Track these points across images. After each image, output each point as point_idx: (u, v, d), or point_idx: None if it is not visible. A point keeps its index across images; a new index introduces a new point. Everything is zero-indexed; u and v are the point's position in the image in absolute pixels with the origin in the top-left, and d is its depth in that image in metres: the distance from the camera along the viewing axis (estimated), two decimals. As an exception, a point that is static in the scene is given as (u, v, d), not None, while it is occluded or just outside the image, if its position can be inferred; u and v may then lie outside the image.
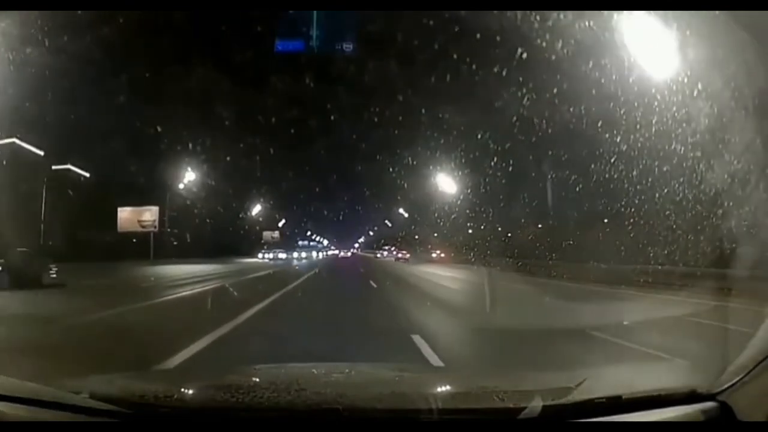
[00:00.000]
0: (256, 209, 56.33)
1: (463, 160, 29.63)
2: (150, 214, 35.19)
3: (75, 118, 24.28)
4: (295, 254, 58.78)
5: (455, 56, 18.54)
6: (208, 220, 41.20)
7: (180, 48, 21.19)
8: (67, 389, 1.60)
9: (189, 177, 34.85)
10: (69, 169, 32.28)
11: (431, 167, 33.74)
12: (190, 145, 27.95)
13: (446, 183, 34.15)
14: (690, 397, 1.57)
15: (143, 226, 34.52)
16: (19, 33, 13.26)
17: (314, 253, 71.79)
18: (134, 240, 35.22)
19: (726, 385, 1.55)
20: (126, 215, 35.36)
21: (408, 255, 47.48)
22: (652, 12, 5.04)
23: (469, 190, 33.06)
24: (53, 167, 30.13)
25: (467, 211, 33.16)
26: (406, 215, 63.72)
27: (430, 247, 52.68)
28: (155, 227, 34.69)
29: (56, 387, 1.63)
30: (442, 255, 39.20)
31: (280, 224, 70.60)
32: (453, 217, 37.88)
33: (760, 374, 1.50)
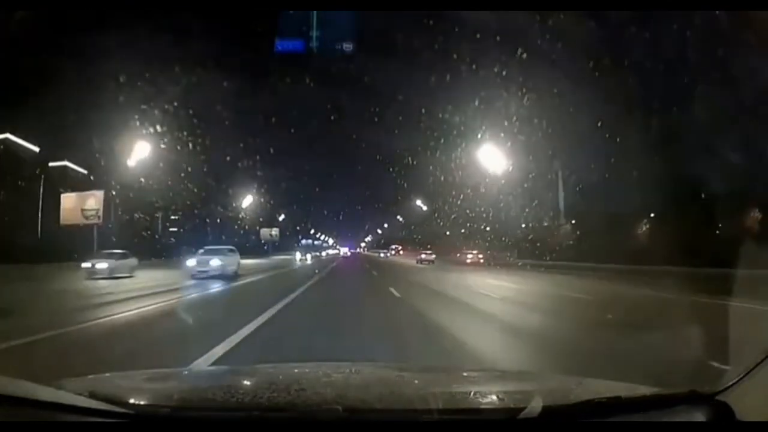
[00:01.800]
0: (247, 201, 48.93)
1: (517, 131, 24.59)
2: (94, 200, 27.84)
3: (74, 116, 24.40)
4: (213, 263, 20.25)
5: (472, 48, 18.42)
6: (196, 214, 38.04)
7: (180, 47, 21.25)
8: (66, 389, 1.60)
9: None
10: (66, 166, 30.30)
11: (467, 142, 29.43)
12: (190, 145, 27.90)
13: (493, 158, 29.07)
14: (690, 397, 1.58)
15: (86, 217, 27.55)
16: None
17: (298, 255, 49.42)
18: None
19: (726, 385, 1.55)
20: (70, 204, 28.06)
21: (433, 256, 40.39)
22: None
23: (531, 176, 28.21)
24: (50, 164, 28.55)
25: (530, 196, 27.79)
26: (425, 208, 55.90)
27: (438, 244, 48.68)
28: (99, 218, 27.68)
29: (56, 387, 1.63)
30: (480, 257, 33.51)
31: (280, 218, 64.75)
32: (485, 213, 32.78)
33: (760, 374, 1.50)
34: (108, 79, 21.44)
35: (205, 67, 23.01)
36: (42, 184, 27.11)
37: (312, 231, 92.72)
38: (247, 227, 54.29)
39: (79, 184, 29.44)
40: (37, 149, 26.93)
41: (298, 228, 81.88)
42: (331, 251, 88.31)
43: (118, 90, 21.68)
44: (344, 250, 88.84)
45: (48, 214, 27.23)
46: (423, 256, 41.43)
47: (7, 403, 1.47)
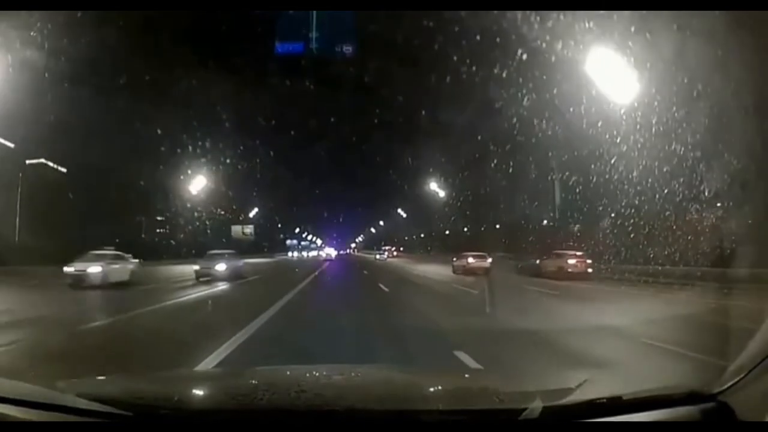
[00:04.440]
0: (200, 184, 34.38)
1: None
2: None
3: (75, 118, 24.32)
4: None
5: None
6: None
7: (180, 48, 21.29)
8: (67, 391, 1.60)
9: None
10: (43, 163, 28.70)
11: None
12: (189, 148, 27.87)
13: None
14: (690, 397, 1.58)
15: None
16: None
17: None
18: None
19: (726, 385, 1.55)
20: None
21: (489, 261, 25.05)
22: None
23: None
24: (27, 161, 27.01)
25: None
26: (441, 194, 42.47)
27: (436, 248, 42.94)
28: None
29: (56, 389, 1.63)
30: (590, 262, 19.75)
31: (252, 214, 54.60)
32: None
33: (760, 374, 1.50)
34: (105, 81, 21.46)
35: (206, 68, 23.02)
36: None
37: (297, 230, 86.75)
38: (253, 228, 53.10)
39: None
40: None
41: (280, 225, 72.50)
42: (305, 253, 77.57)
43: (117, 91, 21.71)
44: (328, 252, 74.02)
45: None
46: (471, 260, 24.63)
47: (7, 404, 1.47)
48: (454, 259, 26.46)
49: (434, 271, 27.30)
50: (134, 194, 31.12)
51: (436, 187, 41.28)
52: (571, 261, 19.71)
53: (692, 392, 1.58)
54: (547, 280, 18.12)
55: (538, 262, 21.72)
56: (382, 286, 17.01)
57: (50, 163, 29.20)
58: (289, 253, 71.62)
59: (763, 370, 1.49)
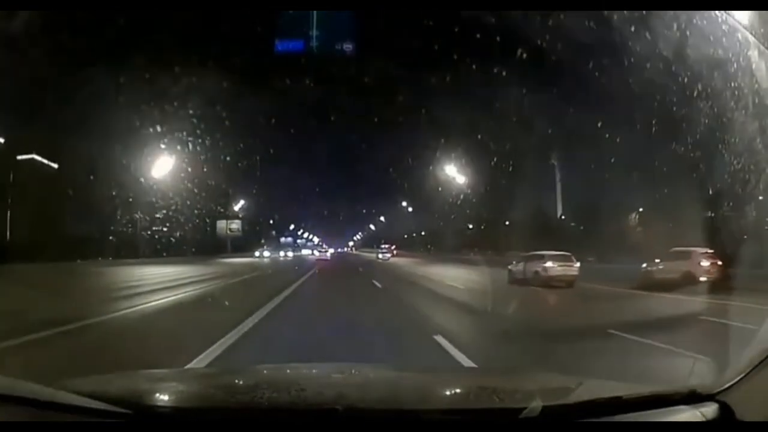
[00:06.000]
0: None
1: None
2: None
3: (72, 116, 24.28)
4: None
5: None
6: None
7: (179, 46, 21.24)
8: (66, 389, 1.60)
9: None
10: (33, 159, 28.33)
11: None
12: (189, 146, 27.82)
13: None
14: (690, 397, 1.58)
15: None
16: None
17: None
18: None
19: (726, 385, 1.55)
20: None
21: (577, 266, 16.65)
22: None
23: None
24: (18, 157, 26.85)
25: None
26: (463, 180, 33.29)
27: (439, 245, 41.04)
28: None
29: (56, 387, 1.63)
30: (720, 263, 13.95)
31: (238, 206, 48.57)
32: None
33: (760, 374, 1.50)
34: (104, 79, 21.43)
35: (205, 66, 22.97)
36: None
37: (292, 227, 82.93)
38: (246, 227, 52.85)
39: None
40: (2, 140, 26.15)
41: (271, 222, 65.90)
42: (284, 253, 62.71)
43: (116, 90, 21.70)
44: (322, 251, 62.13)
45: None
46: (550, 264, 16.50)
47: (7, 403, 1.47)
48: (514, 261, 18.42)
49: (470, 278, 18.93)
50: (132, 191, 31.19)
51: (455, 173, 34.23)
52: (704, 263, 13.80)
53: (692, 392, 1.58)
54: (689, 298, 11.44)
55: (645, 266, 15.74)
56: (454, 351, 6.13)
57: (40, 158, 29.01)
58: (257, 253, 54.51)
59: (763, 370, 1.50)
